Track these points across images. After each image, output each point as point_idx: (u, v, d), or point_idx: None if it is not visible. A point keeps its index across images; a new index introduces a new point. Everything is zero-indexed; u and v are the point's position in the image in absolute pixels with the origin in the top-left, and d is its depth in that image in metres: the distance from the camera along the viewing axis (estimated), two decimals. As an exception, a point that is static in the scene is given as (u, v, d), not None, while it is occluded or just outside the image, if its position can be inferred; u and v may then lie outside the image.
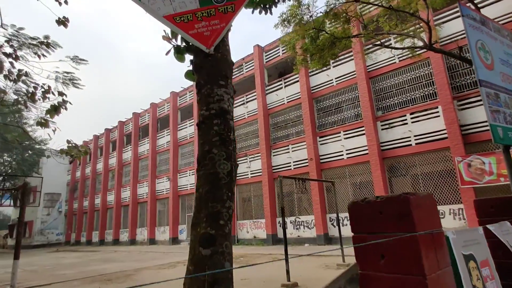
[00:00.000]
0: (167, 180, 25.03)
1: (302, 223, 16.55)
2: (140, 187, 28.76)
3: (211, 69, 1.68)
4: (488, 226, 1.81)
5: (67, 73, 8.02)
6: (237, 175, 10.83)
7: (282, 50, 19.02)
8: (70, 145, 7.52)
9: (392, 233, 1.27)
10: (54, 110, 6.70)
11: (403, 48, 9.66)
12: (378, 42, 10.23)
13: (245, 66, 21.58)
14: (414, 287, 1.17)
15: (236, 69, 22.28)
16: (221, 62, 1.70)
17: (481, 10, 10.60)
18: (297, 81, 18.11)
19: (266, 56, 20.43)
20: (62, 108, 6.82)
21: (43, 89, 7.64)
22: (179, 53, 2.01)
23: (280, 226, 17.38)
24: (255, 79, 20.34)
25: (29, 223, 41.20)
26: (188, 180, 23.85)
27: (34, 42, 7.79)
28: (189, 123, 25.10)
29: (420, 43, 9.20)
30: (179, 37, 2.06)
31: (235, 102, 21.07)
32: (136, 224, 28.21)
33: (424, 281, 1.16)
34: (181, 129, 25.80)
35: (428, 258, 1.22)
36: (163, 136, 27.42)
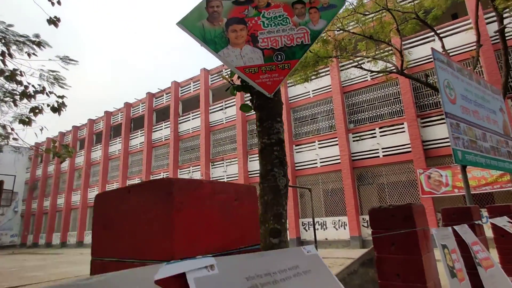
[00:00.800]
0: (139, 181, 24.70)
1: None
2: (110, 188, 28.05)
3: (271, 109, 2.27)
4: (454, 227, 2.56)
5: (52, 71, 8.10)
6: (216, 177, 11.68)
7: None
8: (55, 144, 7.58)
9: (400, 229, 1.93)
10: (54, 111, 6.83)
11: (378, 72, 10.77)
12: (355, 64, 11.26)
13: (225, 72, 22.09)
14: (414, 263, 1.84)
15: (216, 75, 22.75)
16: (277, 103, 2.30)
17: (444, 39, 12.06)
18: (328, 74, 17.89)
19: (246, 64, 21.08)
20: (63, 110, 6.98)
21: (34, 89, 7.66)
22: (236, 90, 2.59)
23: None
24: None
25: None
26: (162, 182, 23.75)
27: (23, 40, 7.81)
28: (164, 125, 25.06)
29: (392, 66, 10.33)
30: (235, 76, 2.65)
31: (214, 107, 21.52)
32: (103, 225, 27.43)
33: (420, 259, 1.83)
34: (156, 131, 25.67)
35: (422, 245, 1.90)
36: (136, 137, 27.06)
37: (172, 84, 24.74)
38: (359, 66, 10.93)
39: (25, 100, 7.58)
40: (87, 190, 29.74)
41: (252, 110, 2.47)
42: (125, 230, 0.77)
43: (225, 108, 21.41)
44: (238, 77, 2.47)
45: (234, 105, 20.77)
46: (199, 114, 22.53)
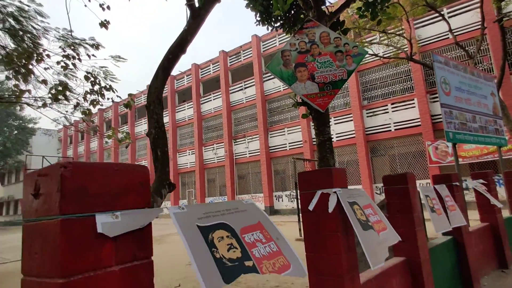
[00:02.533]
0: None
1: (294, 196, 19.14)
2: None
3: (323, 119, 3.80)
4: (435, 186, 4.12)
5: (102, 67, 9.60)
6: (236, 154, 13.88)
7: (279, 41, 20.80)
8: (122, 132, 9.22)
9: (403, 185, 3.49)
10: (126, 107, 8.44)
11: (388, 57, 11.89)
12: (370, 52, 12.37)
13: (243, 54, 23.19)
14: (405, 202, 3.41)
15: (234, 56, 23.87)
16: (326, 116, 3.82)
17: (454, 18, 12.90)
18: None
19: (263, 45, 22.12)
20: (133, 105, 8.54)
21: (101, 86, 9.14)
22: (298, 105, 4.14)
23: (276, 199, 19.92)
24: (253, 67, 22.09)
25: (20, 200, 41.95)
26: (188, 159, 25.75)
27: (84, 44, 9.28)
28: (187, 106, 26.65)
29: (402, 50, 11.43)
30: (297, 96, 4.18)
31: (234, 87, 22.87)
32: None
33: (410, 203, 3.40)
34: (179, 111, 27.33)
35: (414, 196, 3.46)
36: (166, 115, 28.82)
37: (192, 66, 26.00)
38: (376, 55, 12.03)
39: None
40: (117, 168, 32.14)
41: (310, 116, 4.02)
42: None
43: (245, 88, 22.73)
44: (296, 95, 4.00)
45: (254, 85, 22.06)
46: (220, 94, 23.96)
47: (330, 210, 1.95)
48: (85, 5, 7.65)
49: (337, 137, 17.99)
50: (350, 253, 2.11)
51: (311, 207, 1.97)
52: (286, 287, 4.86)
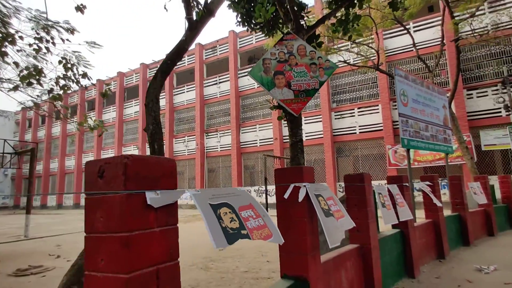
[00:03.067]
0: (135, 148, 26.31)
1: (263, 191, 19.75)
2: (104, 154, 29.47)
3: (296, 122, 4.29)
4: (388, 185, 4.76)
5: (74, 51, 9.50)
6: (208, 147, 14.33)
7: (256, 39, 21.17)
8: (93, 120, 9.16)
9: (360, 183, 4.06)
10: (104, 96, 8.44)
11: (358, 66, 12.72)
12: (341, 58, 13.13)
13: (219, 48, 23.31)
14: (361, 197, 4.00)
15: (210, 50, 23.92)
16: (299, 119, 4.31)
17: (419, 32, 13.99)
18: None
19: (240, 42, 22.38)
20: (109, 94, 8.54)
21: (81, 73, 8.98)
22: (275, 108, 4.59)
23: (245, 193, 20.41)
24: (229, 63, 22.31)
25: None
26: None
27: (57, 27, 9.10)
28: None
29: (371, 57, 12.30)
30: (274, 100, 4.63)
31: (208, 81, 22.95)
32: (100, 189, 29.21)
33: (365, 199, 3.98)
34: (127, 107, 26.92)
35: (369, 193, 4.05)
36: (131, 106, 28.20)
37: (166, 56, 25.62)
38: (346, 62, 12.79)
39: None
40: (81, 156, 31.00)
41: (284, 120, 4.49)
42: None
43: (219, 82, 22.90)
44: (273, 99, 4.46)
45: (228, 80, 22.30)
46: (194, 87, 23.93)
47: (300, 199, 2.41)
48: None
49: (306, 136, 18.78)
50: (313, 236, 2.60)
51: (286, 196, 2.42)
52: (254, 272, 5.33)
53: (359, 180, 3.96)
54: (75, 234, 11.71)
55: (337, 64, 12.57)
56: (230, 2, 6.44)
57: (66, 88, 8.55)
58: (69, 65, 8.47)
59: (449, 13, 10.52)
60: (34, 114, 37.54)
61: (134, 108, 27.79)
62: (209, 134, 22.84)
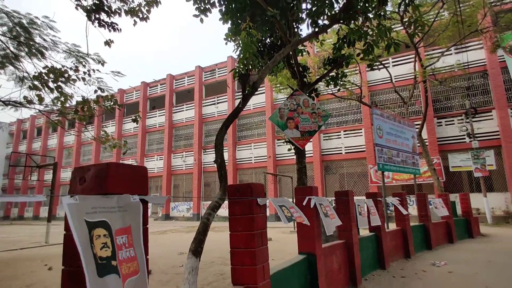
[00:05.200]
0: (134, 162, 27.53)
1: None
2: (102, 167, 30.46)
3: (301, 153, 6.09)
4: (366, 199, 6.57)
5: (98, 78, 11.10)
6: (205, 163, 16.39)
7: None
8: (112, 138, 10.68)
9: (346, 197, 5.84)
10: (135, 121, 10.02)
11: (344, 98, 14.80)
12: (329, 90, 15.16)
13: (218, 71, 25.24)
14: (346, 207, 5.76)
15: (209, 73, 25.81)
16: (304, 151, 6.12)
17: (396, 67, 16.19)
18: (263, 93, 22.56)
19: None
20: (139, 120, 10.16)
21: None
22: (289, 142, 6.40)
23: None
24: (227, 85, 24.23)
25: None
26: (155, 164, 26.82)
27: (89, 59, 10.71)
28: (159, 113, 27.83)
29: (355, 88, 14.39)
30: (285, 136, 6.45)
31: (207, 101, 24.70)
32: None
33: (349, 209, 5.75)
34: (150, 117, 28.36)
35: (352, 204, 5.82)
36: (129, 122, 29.56)
37: (167, 76, 27.40)
38: (334, 95, 14.81)
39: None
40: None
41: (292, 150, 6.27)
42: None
43: (217, 103, 24.71)
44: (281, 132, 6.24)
45: (226, 101, 24.14)
46: (193, 106, 25.63)
47: (312, 206, 4.15)
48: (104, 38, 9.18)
49: (291, 150, 20.63)
50: (318, 228, 4.32)
51: (304, 204, 4.15)
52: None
53: (345, 195, 5.73)
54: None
55: (326, 91, 14.50)
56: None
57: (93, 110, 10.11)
58: (102, 93, 10.07)
59: (418, 59, 12.74)
60: (30, 125, 38.20)
61: (133, 124, 29.13)
62: (206, 150, 24.43)
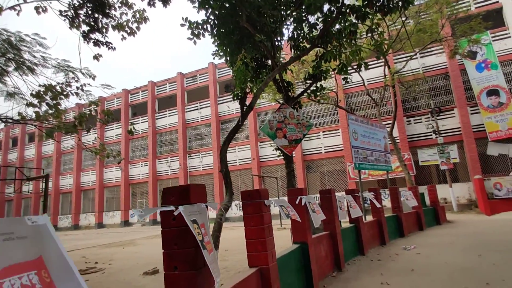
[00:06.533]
0: (120, 169, 27.64)
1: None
2: (84, 175, 30.29)
3: (289, 158, 7.04)
4: (346, 195, 7.61)
5: (87, 91, 11.63)
6: (190, 167, 17.46)
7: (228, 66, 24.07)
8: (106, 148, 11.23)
9: (328, 195, 6.83)
10: (131, 133, 10.60)
11: (322, 102, 15.96)
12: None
13: (199, 77, 25.87)
14: (329, 203, 6.76)
15: (191, 78, 26.39)
16: (291, 157, 7.07)
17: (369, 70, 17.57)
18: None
19: (219, 72, 25.13)
20: (134, 131, 10.75)
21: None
22: (279, 149, 7.33)
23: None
24: (209, 91, 24.91)
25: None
26: (140, 170, 27.08)
27: (81, 73, 11.20)
28: (141, 120, 28.07)
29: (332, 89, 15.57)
30: (274, 145, 7.40)
31: (190, 107, 25.28)
32: (79, 210, 29.85)
33: (332, 204, 6.75)
34: (133, 124, 28.54)
35: (334, 200, 6.82)
36: (112, 129, 29.58)
37: (148, 83, 27.70)
38: (311, 99, 15.87)
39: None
40: (58, 178, 31.46)
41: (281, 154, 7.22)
42: (288, 194, 5.50)
43: (200, 108, 25.34)
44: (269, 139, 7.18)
45: (209, 106, 24.82)
46: (176, 112, 26.11)
47: (303, 204, 5.09)
48: (97, 55, 9.71)
49: (281, 156, 21.67)
50: (308, 222, 5.26)
51: (296, 202, 5.08)
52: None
53: (328, 193, 6.73)
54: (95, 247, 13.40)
55: (304, 97, 15.28)
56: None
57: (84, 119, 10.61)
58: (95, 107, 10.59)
59: (387, 66, 14.07)
60: (4, 136, 37.11)
61: (116, 131, 29.21)
62: (191, 155, 25.01)
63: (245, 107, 5.57)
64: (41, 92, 9.21)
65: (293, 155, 7.34)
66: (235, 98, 5.45)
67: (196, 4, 7.20)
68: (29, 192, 28.01)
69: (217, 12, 7.03)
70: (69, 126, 10.61)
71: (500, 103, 16.31)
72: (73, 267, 1.13)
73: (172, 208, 2.09)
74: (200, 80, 25.85)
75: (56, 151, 32.06)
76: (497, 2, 17.66)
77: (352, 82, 20.19)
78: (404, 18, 12.93)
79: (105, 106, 30.38)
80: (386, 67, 15.09)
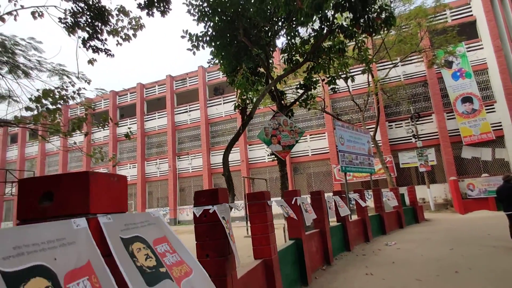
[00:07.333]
0: (107, 171, 27.54)
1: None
2: (70, 177, 29.96)
3: (283, 163, 7.66)
4: (334, 196, 8.30)
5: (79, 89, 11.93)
6: (180, 169, 18.02)
7: (223, 74, 24.57)
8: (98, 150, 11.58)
9: (318, 196, 7.49)
10: (127, 136, 10.97)
11: (309, 108, 16.72)
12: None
13: (189, 80, 26.23)
14: (319, 204, 7.43)
15: (180, 81, 26.70)
16: (284, 161, 7.69)
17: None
18: (233, 100, 23.99)
19: (208, 75, 25.57)
20: (131, 135, 11.12)
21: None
22: (273, 155, 7.94)
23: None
24: (199, 93, 25.30)
25: None
26: (129, 172, 27.14)
27: (77, 77, 11.52)
28: (130, 122, 28.15)
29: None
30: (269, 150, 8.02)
31: (179, 109, 25.60)
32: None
33: (322, 204, 7.42)
34: (122, 126, 28.59)
35: (324, 201, 7.49)
36: (99, 131, 29.44)
37: (137, 85, 27.80)
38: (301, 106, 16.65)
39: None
40: (44, 180, 31.00)
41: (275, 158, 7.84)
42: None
43: (190, 111, 25.69)
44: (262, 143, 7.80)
45: (198, 109, 25.21)
46: (165, 114, 26.35)
47: (298, 204, 5.72)
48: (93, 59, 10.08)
49: (268, 158, 22.32)
50: (302, 220, 5.89)
51: (292, 203, 5.70)
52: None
53: (318, 194, 7.39)
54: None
55: (291, 101, 15.83)
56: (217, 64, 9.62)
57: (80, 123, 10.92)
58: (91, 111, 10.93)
59: (370, 74, 14.96)
60: (3, 133, 36.04)
61: (104, 133, 29.10)
62: (180, 157, 25.31)
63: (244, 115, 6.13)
64: (41, 97, 9.51)
65: (285, 160, 7.97)
66: (236, 108, 6.02)
67: (196, 18, 7.74)
68: (11, 195, 27.49)
69: (214, 24, 7.60)
70: (68, 130, 10.89)
71: (473, 109, 17.54)
72: (179, 240, 1.51)
73: (210, 207, 2.64)
74: (189, 83, 26.20)
75: (41, 153, 31.61)
76: (471, 15, 18.95)
77: (338, 88, 21.15)
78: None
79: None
80: (370, 75, 16.01)
